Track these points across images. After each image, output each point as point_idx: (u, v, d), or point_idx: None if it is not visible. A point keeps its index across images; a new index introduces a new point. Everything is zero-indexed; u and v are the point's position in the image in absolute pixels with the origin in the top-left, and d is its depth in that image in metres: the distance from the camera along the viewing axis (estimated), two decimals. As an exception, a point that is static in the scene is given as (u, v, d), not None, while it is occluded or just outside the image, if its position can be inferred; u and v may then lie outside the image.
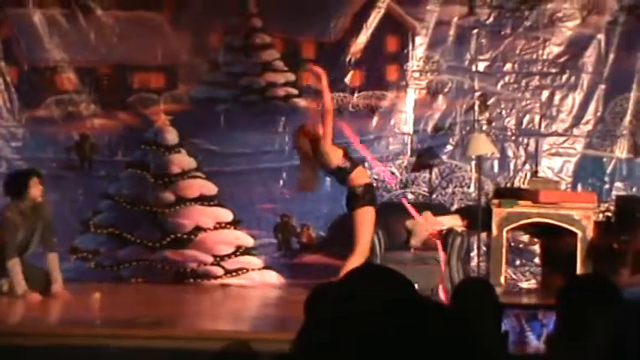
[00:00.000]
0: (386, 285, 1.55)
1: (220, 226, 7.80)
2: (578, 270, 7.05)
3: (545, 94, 7.86)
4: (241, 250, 7.79)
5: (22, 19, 7.90)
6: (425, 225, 7.28)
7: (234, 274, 7.74)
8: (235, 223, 7.82)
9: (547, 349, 3.13)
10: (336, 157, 6.12)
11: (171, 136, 7.81)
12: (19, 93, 7.90)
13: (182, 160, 7.82)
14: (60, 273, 6.48)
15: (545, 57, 7.81)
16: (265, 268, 7.79)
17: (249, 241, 7.78)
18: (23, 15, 7.89)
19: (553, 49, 7.82)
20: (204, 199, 7.80)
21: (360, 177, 6.18)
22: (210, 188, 7.83)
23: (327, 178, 7.84)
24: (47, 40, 7.88)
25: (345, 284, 1.60)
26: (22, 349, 4.67)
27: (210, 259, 7.78)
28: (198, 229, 7.76)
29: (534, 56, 7.82)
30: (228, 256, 7.80)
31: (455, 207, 7.80)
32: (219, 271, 7.78)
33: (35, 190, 6.48)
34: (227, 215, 7.82)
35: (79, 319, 5.74)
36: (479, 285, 3.44)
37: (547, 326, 4.18)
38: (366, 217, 6.16)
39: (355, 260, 6.03)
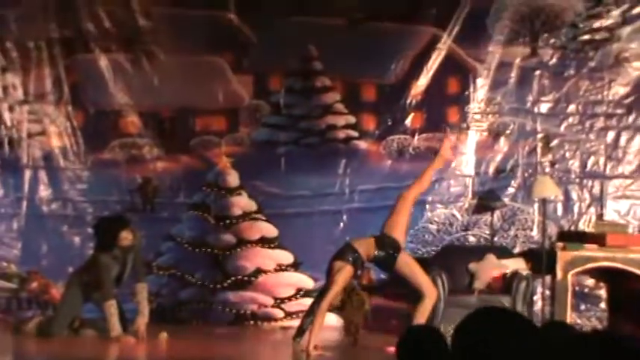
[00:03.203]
0: (514, 330, 1.53)
1: (281, 268, 7.79)
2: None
3: (610, 135, 7.75)
4: (302, 293, 7.76)
5: (89, 64, 8.09)
6: (489, 268, 7.18)
7: (294, 316, 7.69)
8: (296, 266, 7.80)
9: None
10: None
11: (233, 179, 7.86)
12: (84, 136, 8.07)
13: (243, 203, 7.85)
14: (147, 307, 6.54)
15: (610, 98, 7.72)
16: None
17: (309, 284, 7.74)
18: (90, 60, 8.08)
19: (619, 90, 7.72)
20: (265, 242, 7.81)
21: (367, 249, 6.12)
22: (270, 230, 7.83)
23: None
24: (112, 85, 8.05)
25: (473, 330, 1.57)
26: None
27: (271, 302, 7.76)
28: (259, 271, 7.76)
29: (599, 97, 7.73)
30: (289, 298, 7.77)
31: (517, 250, 7.68)
32: (280, 313, 7.75)
33: (125, 241, 6.60)
34: (288, 257, 7.81)
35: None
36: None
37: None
38: (407, 262, 6.16)
39: (428, 301, 6.02)
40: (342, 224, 7.82)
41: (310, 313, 6.30)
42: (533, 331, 1.75)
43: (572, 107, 7.79)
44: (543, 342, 1.62)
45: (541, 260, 7.18)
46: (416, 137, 7.91)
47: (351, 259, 6.09)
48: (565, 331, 2.24)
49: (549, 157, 7.78)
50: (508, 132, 7.83)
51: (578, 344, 1.59)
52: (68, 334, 6.61)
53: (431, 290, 6.15)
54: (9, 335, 6.73)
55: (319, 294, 6.37)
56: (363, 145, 7.92)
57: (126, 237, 6.59)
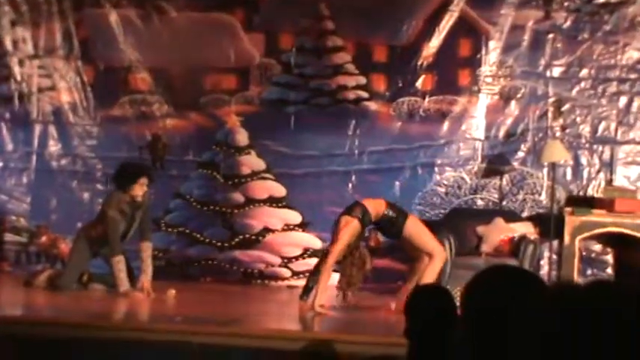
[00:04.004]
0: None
1: (288, 227, 7.82)
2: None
3: (622, 100, 7.68)
4: (309, 253, 7.79)
5: (99, 19, 8.04)
6: (497, 231, 7.19)
7: (301, 276, 7.73)
8: (303, 226, 7.82)
9: None
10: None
11: (242, 138, 7.86)
12: (94, 92, 8.05)
13: (252, 162, 7.86)
14: (150, 265, 6.57)
15: (624, 62, 7.63)
16: (333, 271, 7.76)
17: (316, 244, 7.77)
18: (100, 15, 8.02)
19: (633, 54, 7.63)
20: (273, 201, 7.83)
21: (376, 207, 6.11)
22: (279, 190, 7.85)
23: (397, 182, 7.84)
24: (122, 41, 8.01)
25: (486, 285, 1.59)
26: (112, 343, 4.74)
27: (278, 261, 7.80)
28: (267, 230, 7.79)
29: (612, 61, 7.65)
30: (296, 258, 7.81)
31: (525, 214, 7.68)
32: (287, 272, 7.79)
33: (139, 190, 6.61)
34: (295, 217, 7.83)
35: (160, 314, 5.83)
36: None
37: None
38: (415, 226, 6.16)
39: (438, 263, 6.06)
40: (350, 185, 7.81)
41: (316, 272, 6.32)
42: (545, 287, 1.76)
43: (584, 71, 7.72)
44: (556, 296, 1.63)
45: (549, 225, 7.18)
46: (426, 99, 7.86)
47: (359, 215, 6.09)
48: (576, 287, 2.24)
49: (560, 121, 7.73)
50: (519, 96, 7.78)
51: (593, 295, 1.59)
52: (77, 289, 6.66)
53: (440, 251, 6.18)
54: (19, 288, 6.78)
55: (325, 252, 6.39)
56: (373, 106, 7.89)
57: (143, 183, 6.61)
